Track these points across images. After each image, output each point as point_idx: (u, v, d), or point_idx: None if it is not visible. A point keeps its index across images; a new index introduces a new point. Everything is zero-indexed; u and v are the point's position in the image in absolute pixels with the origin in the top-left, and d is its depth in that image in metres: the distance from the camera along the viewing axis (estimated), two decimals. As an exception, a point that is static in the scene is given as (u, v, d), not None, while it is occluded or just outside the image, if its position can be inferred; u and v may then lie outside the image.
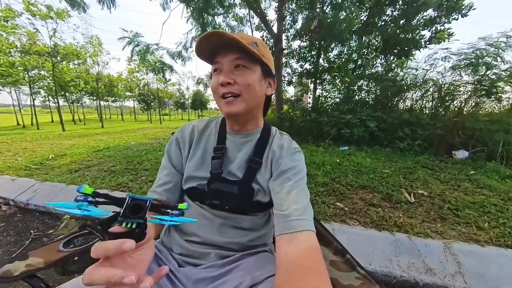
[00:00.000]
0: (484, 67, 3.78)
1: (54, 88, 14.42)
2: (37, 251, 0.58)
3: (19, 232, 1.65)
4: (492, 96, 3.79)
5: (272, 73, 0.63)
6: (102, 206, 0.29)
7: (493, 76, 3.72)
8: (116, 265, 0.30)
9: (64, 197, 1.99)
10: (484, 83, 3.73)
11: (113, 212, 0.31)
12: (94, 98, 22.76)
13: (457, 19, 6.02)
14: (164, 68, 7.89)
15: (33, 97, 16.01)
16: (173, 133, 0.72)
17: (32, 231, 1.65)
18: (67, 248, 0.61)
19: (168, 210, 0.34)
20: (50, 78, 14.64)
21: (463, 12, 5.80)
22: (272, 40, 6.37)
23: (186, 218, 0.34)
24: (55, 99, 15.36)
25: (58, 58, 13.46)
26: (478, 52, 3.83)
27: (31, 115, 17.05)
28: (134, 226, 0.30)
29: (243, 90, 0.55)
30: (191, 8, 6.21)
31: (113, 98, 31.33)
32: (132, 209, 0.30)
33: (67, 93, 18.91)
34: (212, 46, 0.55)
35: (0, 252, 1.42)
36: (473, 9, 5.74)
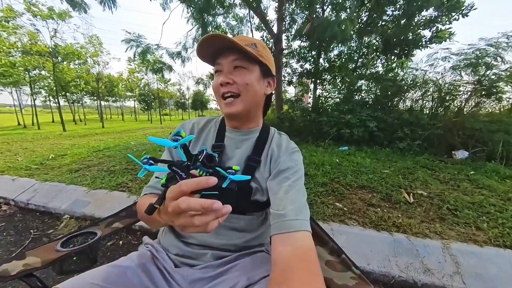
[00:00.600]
0: (484, 67, 3.78)
1: (54, 88, 14.47)
2: (34, 251, 0.59)
3: (19, 231, 1.65)
4: (492, 96, 3.78)
5: (271, 73, 0.64)
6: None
7: (493, 76, 3.71)
8: None
9: (64, 196, 1.99)
10: (484, 83, 3.73)
11: (187, 162, 0.37)
12: (95, 98, 22.82)
13: (457, 19, 6.00)
14: (163, 68, 7.87)
15: (34, 97, 16.05)
16: None
17: (32, 230, 1.66)
18: (65, 248, 0.62)
19: (228, 170, 0.40)
20: (51, 78, 14.68)
21: (464, 12, 5.78)
22: (272, 40, 6.37)
23: (241, 175, 0.39)
24: (56, 99, 15.37)
25: (59, 58, 13.50)
26: (478, 52, 3.83)
27: (32, 115, 17.09)
28: (204, 174, 0.36)
29: (241, 90, 0.57)
30: (192, 9, 6.22)
31: (113, 98, 31.41)
32: (207, 159, 0.37)
33: (67, 93, 18.97)
34: (214, 49, 0.57)
35: (0, 252, 1.43)
36: (474, 9, 5.72)
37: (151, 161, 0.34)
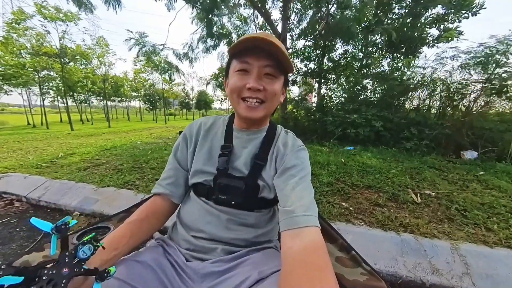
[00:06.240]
0: (494, 65, 3.69)
1: (62, 88, 14.75)
2: (52, 244, 0.60)
3: (31, 227, 1.70)
4: (503, 95, 3.69)
5: (288, 82, 0.65)
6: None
7: (504, 75, 3.62)
8: None
9: (74, 194, 2.04)
10: (494, 82, 3.64)
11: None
12: (101, 98, 23.20)
13: (467, 18, 5.85)
14: (170, 69, 7.93)
15: (43, 97, 16.42)
16: (180, 131, 0.74)
17: (43, 226, 1.70)
18: (80, 241, 0.64)
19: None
20: (59, 79, 14.98)
21: (474, 10, 5.64)
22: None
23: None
24: (64, 100, 15.70)
25: (67, 59, 13.76)
26: (488, 50, 3.74)
27: (41, 115, 17.48)
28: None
29: (268, 98, 0.58)
30: (197, 9, 6.26)
31: (119, 99, 31.82)
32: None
33: (75, 94, 19.32)
34: (248, 44, 0.55)
35: (14, 246, 1.47)
36: (484, 8, 5.57)
37: (53, 231, 0.33)
